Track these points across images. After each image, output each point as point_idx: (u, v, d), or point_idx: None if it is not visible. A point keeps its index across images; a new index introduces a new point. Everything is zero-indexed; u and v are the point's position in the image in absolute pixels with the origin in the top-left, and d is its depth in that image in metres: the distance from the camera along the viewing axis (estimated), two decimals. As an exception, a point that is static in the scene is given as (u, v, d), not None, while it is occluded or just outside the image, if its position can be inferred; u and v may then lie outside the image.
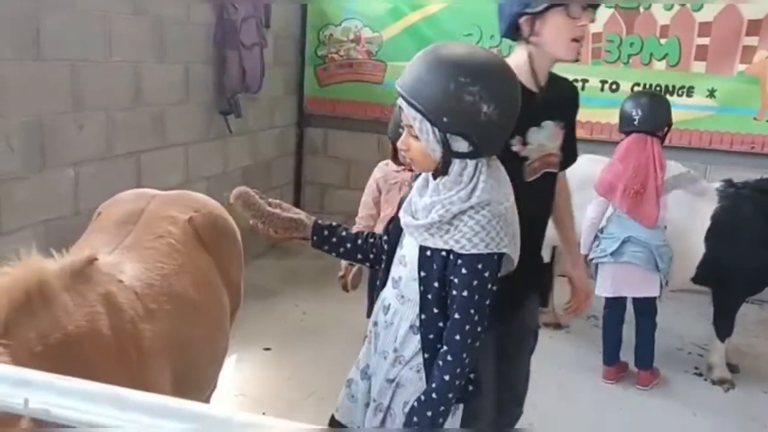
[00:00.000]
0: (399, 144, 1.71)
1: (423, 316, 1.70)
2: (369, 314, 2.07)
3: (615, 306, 3.78)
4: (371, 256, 1.92)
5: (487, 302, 1.63)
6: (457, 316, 1.62)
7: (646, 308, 3.71)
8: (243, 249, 2.53)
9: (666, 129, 3.65)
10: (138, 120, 3.90)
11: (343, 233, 1.91)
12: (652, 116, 3.58)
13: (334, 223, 1.94)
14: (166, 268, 2.00)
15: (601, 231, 3.70)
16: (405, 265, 1.75)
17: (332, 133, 5.93)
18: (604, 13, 5.08)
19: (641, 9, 5.09)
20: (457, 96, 1.54)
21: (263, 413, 3.17)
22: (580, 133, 2.44)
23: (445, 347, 1.64)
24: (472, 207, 1.60)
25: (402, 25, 5.57)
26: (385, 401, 1.80)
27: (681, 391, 3.76)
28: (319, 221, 1.91)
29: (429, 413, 1.64)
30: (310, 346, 3.95)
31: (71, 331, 1.53)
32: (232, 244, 2.44)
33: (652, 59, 5.12)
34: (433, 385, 1.65)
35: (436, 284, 1.66)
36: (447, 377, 1.63)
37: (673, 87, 5.09)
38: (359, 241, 1.92)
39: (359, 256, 1.94)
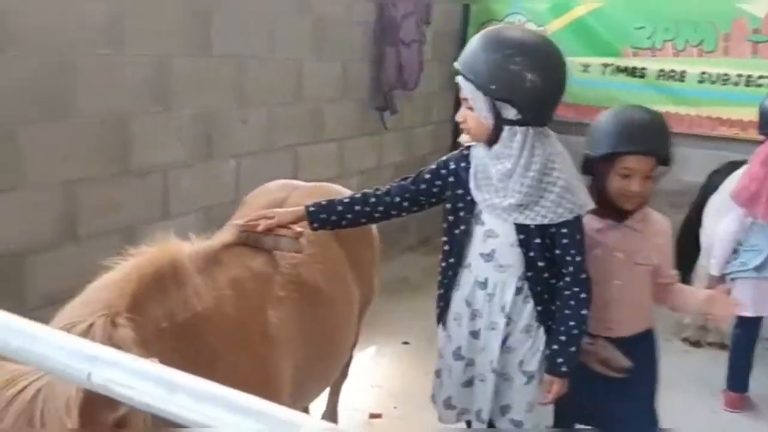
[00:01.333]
0: (457, 117, 1.91)
1: (530, 273, 1.91)
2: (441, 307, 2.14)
3: (749, 326, 3.30)
4: (376, 215, 2.05)
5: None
6: (578, 258, 1.88)
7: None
8: (392, 243, 2.54)
9: None
10: (297, 115, 4.09)
11: (339, 207, 2.02)
12: None
13: (323, 202, 2.03)
14: (297, 257, 2.06)
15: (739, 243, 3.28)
16: (496, 237, 1.91)
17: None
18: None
19: None
20: (503, 65, 1.74)
21: (394, 407, 3.19)
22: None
23: (575, 288, 1.89)
24: (542, 173, 1.81)
25: (567, 20, 5.35)
26: (499, 368, 1.98)
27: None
28: (311, 208, 2.00)
29: (573, 348, 1.91)
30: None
31: (199, 311, 1.61)
32: (366, 239, 2.46)
33: None
34: (572, 323, 1.89)
35: (537, 240, 1.88)
36: (584, 311, 1.90)
37: None
38: (357, 207, 2.02)
39: (363, 220, 2.06)
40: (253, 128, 3.75)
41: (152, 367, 0.72)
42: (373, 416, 3.10)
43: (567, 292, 1.91)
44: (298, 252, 1.98)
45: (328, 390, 2.72)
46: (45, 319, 1.28)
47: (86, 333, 1.33)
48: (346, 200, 2.04)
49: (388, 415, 3.12)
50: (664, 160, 2.04)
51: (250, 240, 1.94)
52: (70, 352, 0.74)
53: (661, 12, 4.99)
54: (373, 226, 2.50)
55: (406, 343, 3.93)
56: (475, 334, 2.01)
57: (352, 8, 4.41)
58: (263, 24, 3.72)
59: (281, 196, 2.34)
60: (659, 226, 2.17)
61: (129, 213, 3.09)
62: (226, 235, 1.98)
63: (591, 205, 1.91)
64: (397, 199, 2.02)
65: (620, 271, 2.08)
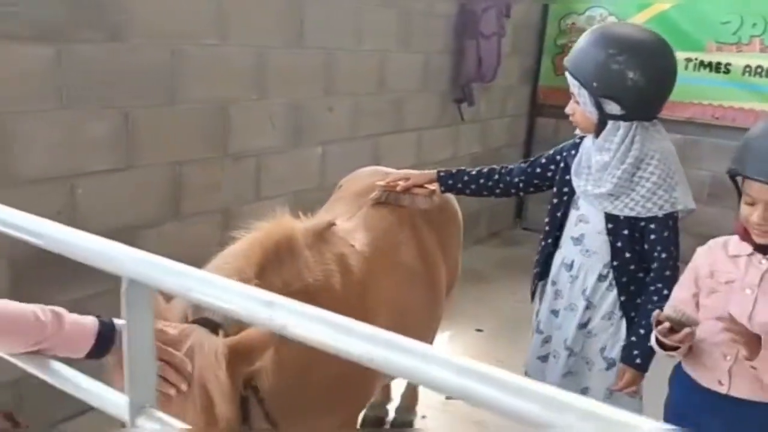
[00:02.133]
0: (567, 109, 2.02)
1: (615, 263, 1.98)
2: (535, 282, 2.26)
3: None
4: (497, 190, 2.26)
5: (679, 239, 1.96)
6: (664, 255, 1.93)
7: None
8: (463, 235, 2.67)
9: None
10: (380, 105, 4.23)
11: (465, 177, 2.25)
12: None
13: (454, 170, 2.31)
14: (393, 238, 2.19)
15: None
16: (587, 222, 2.01)
17: (565, 123, 5.81)
18: None
19: None
20: (606, 64, 1.83)
21: (471, 390, 3.29)
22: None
23: (658, 284, 1.93)
24: (636, 166, 1.87)
25: (650, 13, 5.28)
26: (577, 348, 2.08)
27: None
28: (441, 173, 2.28)
29: (651, 343, 1.86)
30: (523, 332, 3.97)
31: (310, 283, 1.76)
32: (454, 223, 2.57)
33: None
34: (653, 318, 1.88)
35: (625, 231, 1.94)
36: None
37: None
38: (482, 180, 2.24)
39: (485, 193, 2.28)
40: (338, 117, 3.91)
41: (323, 312, 0.86)
42: (449, 397, 3.21)
43: (651, 288, 1.97)
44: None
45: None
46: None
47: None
48: (473, 172, 2.27)
49: (464, 397, 3.23)
50: None
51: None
52: (254, 298, 0.88)
53: (749, 6, 4.87)
54: (459, 213, 2.62)
55: (479, 330, 4.03)
56: (555, 313, 2.11)
57: (434, 1, 4.51)
58: (351, 17, 3.86)
59: (374, 181, 2.47)
60: None
61: (226, 194, 3.29)
62: (328, 215, 2.13)
63: (689, 204, 1.95)
64: (516, 179, 2.21)
65: (744, 311, 1.69)
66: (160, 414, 1.06)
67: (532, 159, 2.24)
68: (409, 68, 4.42)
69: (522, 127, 5.91)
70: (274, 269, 1.67)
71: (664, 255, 1.94)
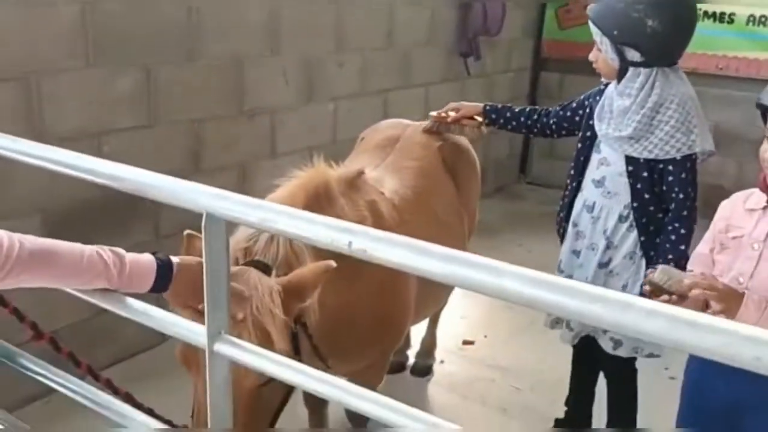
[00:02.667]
0: (590, 56, 2.08)
1: (635, 204, 2.06)
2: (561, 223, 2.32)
3: None
4: (535, 129, 2.41)
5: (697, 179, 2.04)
6: (681, 196, 2.01)
7: None
8: None
9: None
10: (388, 60, 4.25)
11: (508, 114, 2.43)
12: None
13: (499, 106, 2.48)
14: (418, 187, 2.27)
15: None
16: (608, 165, 2.10)
17: (569, 78, 5.84)
18: None
19: None
20: (626, 12, 1.91)
21: (485, 336, 3.41)
22: None
23: (675, 224, 2.02)
24: (655, 111, 1.95)
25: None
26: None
27: None
28: (487, 107, 2.45)
29: None
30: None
31: (346, 227, 1.84)
32: (473, 173, 2.65)
33: None
34: (670, 257, 1.98)
35: (645, 174, 2.03)
36: (683, 247, 2.01)
37: None
38: (522, 118, 2.39)
39: (524, 130, 2.47)
40: (348, 73, 3.94)
41: (396, 236, 0.94)
42: (465, 342, 3.34)
43: (669, 227, 2.05)
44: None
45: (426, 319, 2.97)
46: (174, 245, 1.52)
47: (272, 239, 1.58)
48: (516, 110, 2.42)
49: (479, 342, 3.35)
50: None
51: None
52: (332, 226, 0.96)
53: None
54: (478, 163, 2.69)
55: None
56: (576, 253, 2.20)
57: (440, -46, 4.50)
58: (359, -29, 3.86)
59: (396, 132, 2.53)
60: None
61: (243, 150, 3.35)
62: (356, 165, 2.20)
63: (707, 147, 2.02)
64: (551, 121, 2.33)
65: (747, 268, 1.58)
66: (235, 339, 1.15)
67: (566, 103, 2.33)
68: (416, 22, 4.43)
69: (526, 81, 5.93)
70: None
71: (681, 196, 2.02)
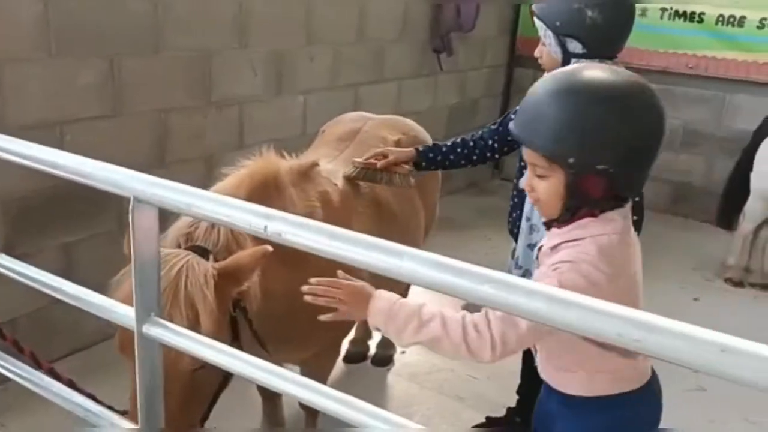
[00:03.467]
0: (535, 53, 2.12)
1: None
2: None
3: None
4: (474, 157, 2.30)
5: None
6: None
7: None
8: (441, 184, 2.79)
9: None
10: (359, 55, 4.29)
11: (444, 148, 2.28)
12: None
13: (430, 145, 2.34)
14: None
15: None
16: None
17: (541, 75, 5.91)
18: None
19: None
20: (567, 3, 1.96)
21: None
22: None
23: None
24: None
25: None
26: None
27: None
28: (420, 149, 2.28)
29: None
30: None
31: (295, 217, 1.88)
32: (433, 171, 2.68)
33: None
34: None
35: None
36: None
37: None
38: (458, 149, 2.28)
39: (463, 162, 2.30)
40: (319, 66, 3.97)
41: (312, 222, 0.98)
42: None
43: None
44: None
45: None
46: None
47: (212, 226, 1.62)
48: (449, 143, 2.30)
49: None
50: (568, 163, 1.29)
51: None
52: (250, 210, 1.00)
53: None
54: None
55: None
56: (531, 247, 2.23)
57: (413, -50, 4.53)
58: (331, -35, 3.89)
59: (357, 126, 2.57)
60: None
61: (210, 142, 3.37)
62: (311, 156, 2.24)
63: None
64: (489, 141, 2.28)
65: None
66: (165, 321, 1.19)
67: (500, 119, 2.31)
68: (387, 17, 4.46)
69: (500, 78, 5.99)
70: (260, 203, 1.77)
71: None
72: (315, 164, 2.12)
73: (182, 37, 3.09)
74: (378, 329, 1.47)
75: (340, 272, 1.44)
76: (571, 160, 1.26)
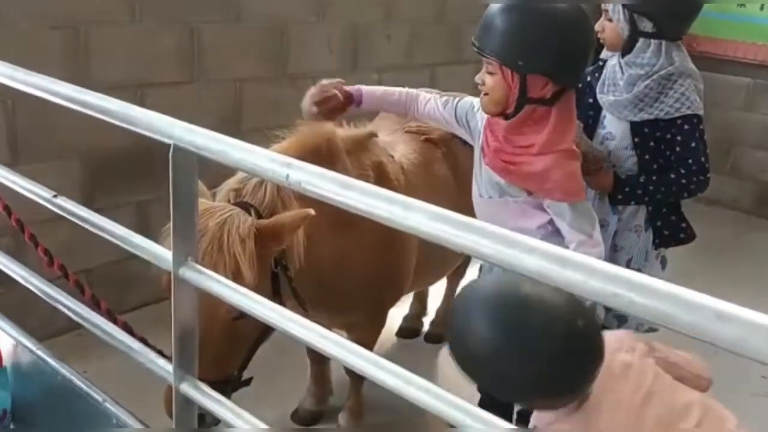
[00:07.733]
0: (596, 26, 1.98)
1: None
2: None
3: None
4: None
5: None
6: (693, 144, 1.97)
7: None
8: None
9: None
10: (438, 34, 4.26)
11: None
12: None
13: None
14: (429, 155, 2.31)
15: None
16: (613, 139, 2.07)
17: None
18: None
19: None
20: None
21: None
22: None
23: (682, 171, 1.98)
24: (675, 75, 1.92)
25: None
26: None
27: None
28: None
29: (639, 191, 2.02)
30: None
31: (346, 184, 1.91)
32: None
33: None
34: (660, 185, 2.01)
35: (651, 143, 2.00)
36: (675, 189, 2.01)
37: None
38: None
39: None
40: (396, 45, 3.98)
41: (332, 173, 1.00)
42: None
43: (674, 174, 2.01)
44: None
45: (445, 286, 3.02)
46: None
47: (261, 184, 1.67)
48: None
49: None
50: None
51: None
52: (274, 159, 1.03)
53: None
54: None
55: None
56: None
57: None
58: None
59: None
60: None
61: (284, 114, 3.44)
62: (371, 127, 2.26)
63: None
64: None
65: None
66: (201, 267, 1.24)
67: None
68: (470, -1, 4.41)
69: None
70: (311, 165, 1.82)
71: (693, 144, 1.98)
72: (372, 134, 2.14)
73: (261, 8, 3.17)
74: None
75: None
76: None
